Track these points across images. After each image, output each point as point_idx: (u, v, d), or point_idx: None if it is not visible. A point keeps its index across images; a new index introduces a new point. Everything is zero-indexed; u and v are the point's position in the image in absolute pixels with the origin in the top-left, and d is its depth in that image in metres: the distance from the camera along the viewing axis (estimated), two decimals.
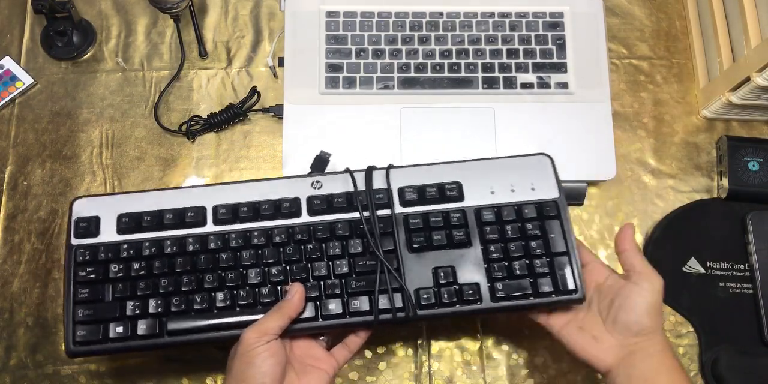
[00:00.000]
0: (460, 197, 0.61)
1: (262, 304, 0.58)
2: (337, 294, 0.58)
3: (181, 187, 0.60)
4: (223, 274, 0.59)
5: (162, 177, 0.75)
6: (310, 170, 0.67)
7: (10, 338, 0.70)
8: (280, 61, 0.76)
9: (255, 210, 0.61)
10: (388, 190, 0.61)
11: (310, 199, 0.61)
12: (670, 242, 0.73)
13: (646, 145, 0.78)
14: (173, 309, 0.58)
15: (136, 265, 0.59)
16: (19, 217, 0.74)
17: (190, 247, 0.59)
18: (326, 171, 0.67)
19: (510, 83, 0.75)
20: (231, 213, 0.60)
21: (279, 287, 0.59)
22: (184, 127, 0.76)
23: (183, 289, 0.58)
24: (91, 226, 0.60)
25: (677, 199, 0.76)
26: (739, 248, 0.73)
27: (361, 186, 0.61)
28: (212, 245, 0.59)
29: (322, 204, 0.61)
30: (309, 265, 0.59)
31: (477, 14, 0.76)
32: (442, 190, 0.61)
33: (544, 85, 0.75)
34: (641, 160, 0.77)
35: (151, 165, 0.75)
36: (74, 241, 0.60)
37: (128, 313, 0.58)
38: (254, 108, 0.76)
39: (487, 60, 0.75)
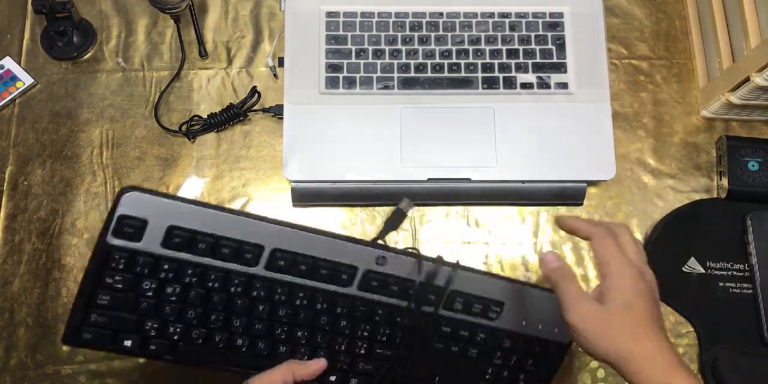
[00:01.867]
0: (496, 318, 0.62)
1: (278, 360, 0.57)
2: (342, 369, 0.59)
3: (243, 214, 0.57)
4: (253, 322, 0.57)
5: (162, 177, 0.75)
6: (385, 222, 0.68)
7: (10, 338, 0.70)
8: (280, 61, 0.76)
9: (312, 267, 0.57)
10: (441, 290, 0.60)
11: (366, 274, 0.59)
12: (670, 242, 0.73)
13: (645, 145, 0.78)
14: (192, 338, 0.56)
15: (170, 289, 0.55)
16: (19, 217, 0.74)
17: (233, 288, 0.56)
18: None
19: (510, 83, 0.75)
20: (288, 263, 0.57)
21: (301, 349, 0.58)
22: (184, 127, 0.76)
23: (210, 325, 0.56)
24: (136, 228, 0.54)
25: (677, 199, 0.76)
26: (739, 248, 0.73)
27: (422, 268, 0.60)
28: (255, 293, 0.56)
29: (377, 283, 0.59)
30: (333, 336, 0.58)
31: (477, 14, 0.76)
32: (486, 309, 0.62)
33: (544, 85, 0.75)
34: (641, 160, 0.77)
35: (151, 165, 0.76)
36: (112, 240, 0.54)
37: (145, 331, 0.55)
38: (254, 108, 0.76)
39: (487, 60, 0.75)
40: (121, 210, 0.54)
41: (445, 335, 0.61)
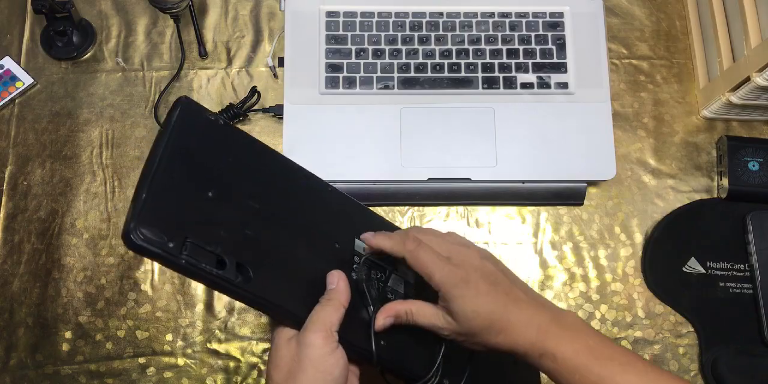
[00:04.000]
0: None
1: None
2: None
3: None
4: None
5: None
6: None
7: (10, 338, 0.70)
8: (280, 61, 0.76)
9: None
10: None
11: None
12: (670, 242, 0.73)
13: (646, 145, 0.78)
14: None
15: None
16: (19, 217, 0.74)
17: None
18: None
19: (510, 83, 0.75)
20: None
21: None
22: None
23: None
24: None
25: (677, 199, 0.76)
26: (739, 248, 0.73)
27: None
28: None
29: None
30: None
31: (477, 14, 0.76)
32: None
33: (544, 85, 0.75)
34: (641, 160, 0.77)
35: None
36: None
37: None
38: (254, 108, 0.76)
39: (487, 60, 0.75)
40: None
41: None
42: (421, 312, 0.50)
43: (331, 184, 0.57)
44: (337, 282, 0.50)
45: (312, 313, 0.48)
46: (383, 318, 0.50)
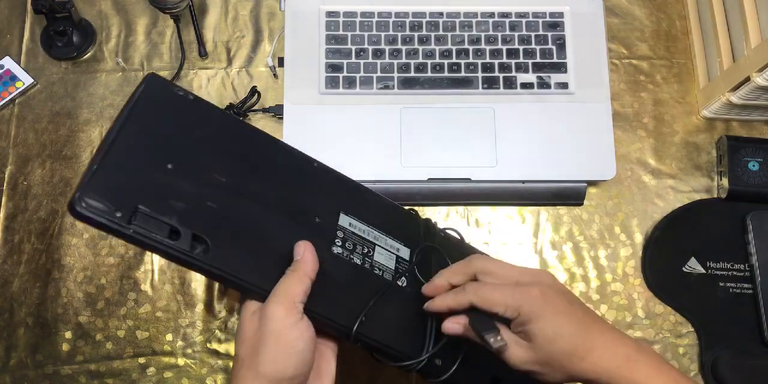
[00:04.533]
0: None
1: None
2: None
3: None
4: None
5: None
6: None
7: (10, 338, 0.70)
8: (280, 61, 0.76)
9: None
10: None
11: None
12: (670, 242, 0.73)
13: (646, 145, 0.78)
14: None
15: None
16: (19, 217, 0.74)
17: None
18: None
19: (510, 83, 0.75)
20: None
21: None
22: None
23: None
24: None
25: (677, 199, 0.76)
26: (739, 248, 0.73)
27: None
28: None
29: None
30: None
31: (477, 14, 0.76)
32: None
33: (544, 85, 0.75)
34: (641, 160, 0.77)
35: None
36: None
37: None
38: (254, 108, 0.76)
39: (487, 60, 0.75)
40: None
41: None
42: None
43: (317, 160, 0.56)
44: (303, 252, 0.48)
45: (276, 285, 0.46)
46: (452, 324, 0.48)
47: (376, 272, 0.54)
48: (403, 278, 0.56)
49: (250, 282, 0.47)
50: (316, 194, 0.55)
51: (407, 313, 0.53)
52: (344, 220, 0.55)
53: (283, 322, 0.45)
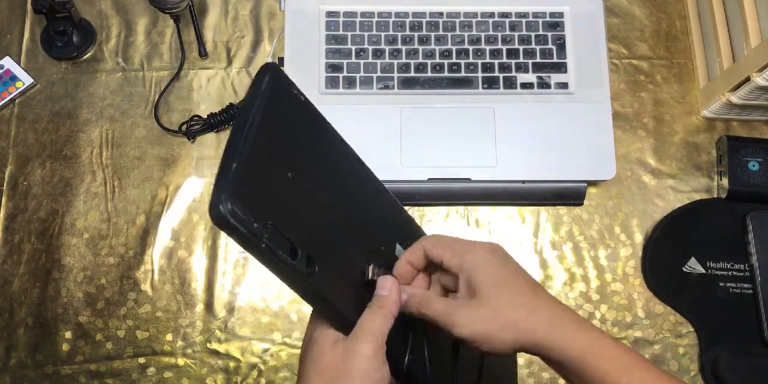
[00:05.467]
0: None
1: None
2: None
3: None
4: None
5: (162, 177, 0.75)
6: None
7: (10, 338, 0.70)
8: (280, 61, 0.76)
9: None
10: None
11: None
12: (670, 242, 0.73)
13: (646, 145, 0.78)
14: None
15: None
16: (19, 217, 0.74)
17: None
18: None
19: (510, 83, 0.75)
20: None
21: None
22: (184, 127, 0.76)
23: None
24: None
25: (677, 199, 0.76)
26: (739, 248, 0.73)
27: None
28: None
29: None
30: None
31: (477, 14, 0.76)
32: None
33: (544, 85, 0.75)
34: (641, 160, 0.77)
35: (151, 165, 0.75)
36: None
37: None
38: None
39: (487, 60, 0.75)
40: None
41: None
42: (432, 301, 0.46)
43: (379, 180, 0.52)
44: (390, 288, 0.46)
45: (362, 320, 0.44)
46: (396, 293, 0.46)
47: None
48: None
49: (341, 311, 0.44)
50: (380, 220, 0.51)
51: (440, 347, 0.49)
52: (399, 251, 0.50)
53: (371, 364, 0.43)
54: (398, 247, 0.51)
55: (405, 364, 0.46)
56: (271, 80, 0.43)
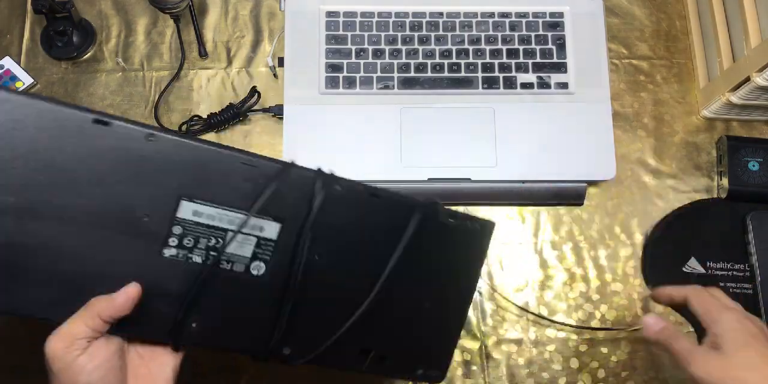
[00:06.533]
0: None
1: None
2: None
3: None
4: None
5: None
6: None
7: (9, 338, 0.70)
8: (280, 61, 0.76)
9: None
10: None
11: None
12: (670, 242, 0.73)
13: (646, 145, 0.78)
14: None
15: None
16: None
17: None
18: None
19: (510, 83, 0.75)
20: None
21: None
22: (184, 127, 0.76)
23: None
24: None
25: (677, 199, 0.76)
26: (739, 248, 0.73)
27: None
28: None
29: None
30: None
31: (477, 14, 0.76)
32: None
33: (544, 85, 0.75)
34: (641, 160, 0.77)
35: None
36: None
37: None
38: (254, 108, 0.76)
39: (487, 60, 0.75)
40: None
41: None
42: (680, 339, 0.51)
43: (155, 130, 0.45)
44: (120, 294, 0.44)
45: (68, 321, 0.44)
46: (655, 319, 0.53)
47: (223, 267, 0.47)
48: (261, 264, 0.48)
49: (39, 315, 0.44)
50: (146, 184, 0.44)
51: (252, 303, 0.47)
52: (186, 209, 0.45)
53: (61, 362, 0.43)
54: (184, 204, 0.45)
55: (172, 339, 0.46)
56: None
